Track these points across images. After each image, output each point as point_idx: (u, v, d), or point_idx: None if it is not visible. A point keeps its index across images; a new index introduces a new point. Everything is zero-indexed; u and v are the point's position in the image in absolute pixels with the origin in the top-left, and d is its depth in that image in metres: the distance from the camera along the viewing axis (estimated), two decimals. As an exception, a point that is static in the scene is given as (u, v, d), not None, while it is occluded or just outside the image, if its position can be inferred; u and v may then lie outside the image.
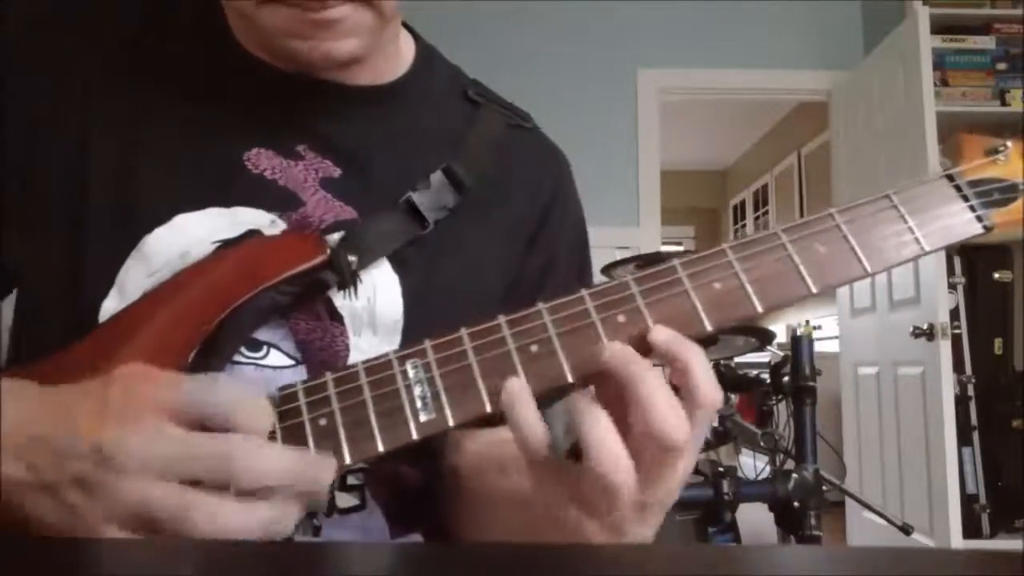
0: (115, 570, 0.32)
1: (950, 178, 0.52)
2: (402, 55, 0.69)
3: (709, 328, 0.48)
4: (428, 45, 0.73)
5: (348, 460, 0.46)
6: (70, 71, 0.61)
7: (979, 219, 0.51)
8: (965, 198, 0.52)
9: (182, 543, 0.40)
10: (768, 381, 2.09)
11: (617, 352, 0.44)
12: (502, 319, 0.48)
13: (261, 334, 0.57)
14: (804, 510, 1.73)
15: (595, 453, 0.42)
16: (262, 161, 0.60)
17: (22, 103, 0.60)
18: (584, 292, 0.48)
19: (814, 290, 0.48)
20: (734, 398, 2.42)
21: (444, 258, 0.63)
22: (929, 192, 0.52)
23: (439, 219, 0.62)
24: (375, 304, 0.59)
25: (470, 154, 0.66)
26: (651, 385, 0.43)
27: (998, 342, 3.22)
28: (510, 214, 0.68)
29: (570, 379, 0.47)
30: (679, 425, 0.42)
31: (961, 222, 0.51)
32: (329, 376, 0.47)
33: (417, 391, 0.46)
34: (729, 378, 2.35)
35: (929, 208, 0.51)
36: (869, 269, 0.49)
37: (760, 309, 0.48)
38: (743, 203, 7.07)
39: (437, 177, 0.63)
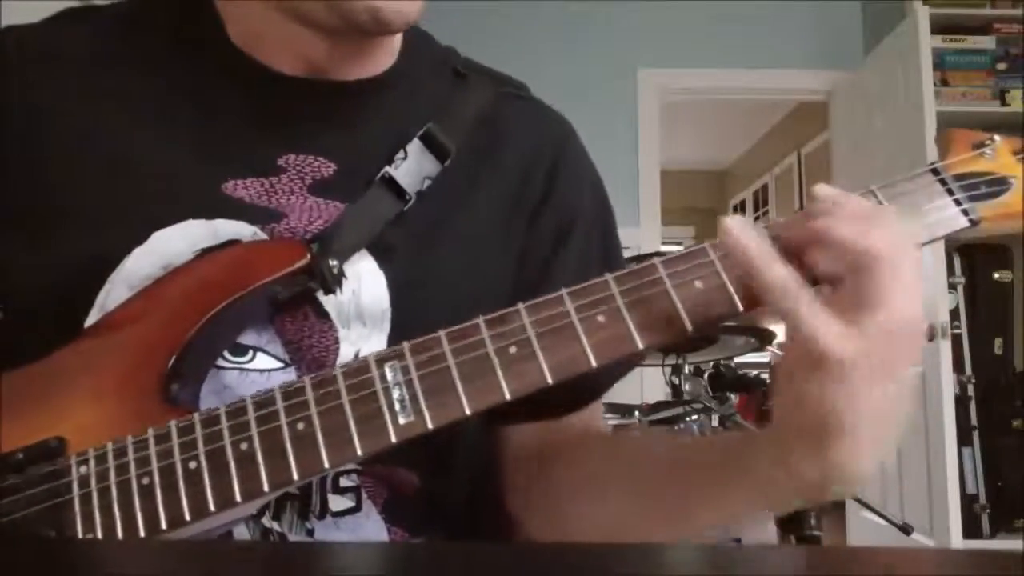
0: (116, 570, 0.32)
1: (935, 172, 0.51)
2: (394, 42, 0.68)
3: (690, 327, 0.47)
4: (417, 28, 0.70)
5: (327, 464, 0.45)
6: (41, 88, 0.60)
7: (965, 213, 0.51)
8: (951, 192, 0.51)
9: (182, 543, 0.40)
10: (768, 381, 2.09)
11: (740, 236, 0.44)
12: (481, 320, 0.47)
13: (247, 338, 0.56)
14: (804, 510, 1.73)
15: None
16: (239, 191, 0.59)
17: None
18: (564, 291, 0.48)
19: None
20: (734, 398, 2.42)
21: (430, 239, 0.61)
22: (914, 186, 0.51)
23: (422, 191, 0.60)
24: (360, 297, 0.58)
25: (451, 119, 0.64)
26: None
27: (998, 342, 3.21)
28: (505, 183, 0.66)
29: (550, 381, 0.46)
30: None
31: (947, 216, 0.50)
32: (307, 380, 0.47)
33: (395, 394, 0.46)
34: (729, 378, 2.35)
35: (914, 203, 0.50)
36: None
37: (741, 308, 0.47)
38: (743, 203, 7.06)
39: (414, 145, 0.61)
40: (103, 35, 0.64)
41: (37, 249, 0.57)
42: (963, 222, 0.51)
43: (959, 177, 0.51)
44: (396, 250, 0.60)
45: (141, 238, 0.56)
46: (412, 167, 0.61)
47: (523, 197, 0.66)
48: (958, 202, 0.51)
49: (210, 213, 0.57)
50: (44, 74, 0.61)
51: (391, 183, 0.60)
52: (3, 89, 0.61)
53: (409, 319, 0.58)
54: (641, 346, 0.47)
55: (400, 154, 0.61)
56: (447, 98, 0.66)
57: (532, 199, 0.66)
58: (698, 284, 0.47)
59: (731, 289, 0.47)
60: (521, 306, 0.48)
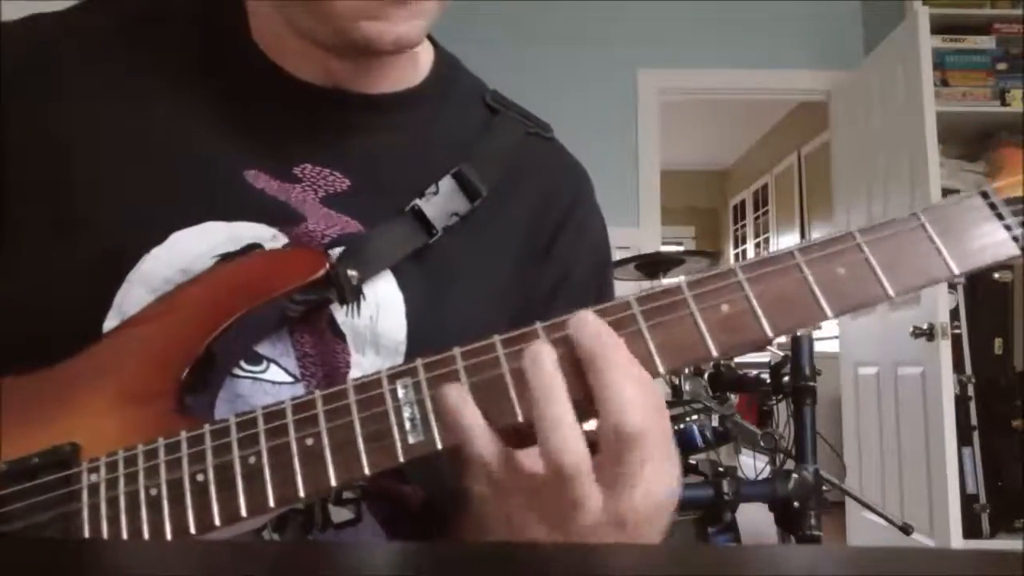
0: (117, 570, 0.32)
1: (985, 195, 0.48)
2: (420, 62, 0.67)
3: (715, 353, 0.45)
4: (448, 53, 0.71)
5: (333, 483, 0.45)
6: (61, 78, 0.60)
7: (1016, 240, 0.47)
8: (1000, 216, 0.47)
9: (182, 543, 0.40)
10: (768, 381, 2.10)
11: (586, 323, 0.44)
12: (497, 339, 0.46)
13: (262, 348, 0.56)
14: (804, 510, 1.73)
15: (543, 428, 0.42)
16: (260, 180, 0.59)
17: (14, 117, 0.59)
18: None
19: (830, 315, 0.45)
20: (734, 398, 2.43)
21: (451, 274, 0.61)
22: (961, 210, 0.47)
23: (448, 226, 0.60)
24: (378, 323, 0.58)
25: (483, 159, 0.64)
26: (614, 363, 0.43)
27: (998, 342, 3.21)
28: (523, 224, 0.66)
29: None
30: (641, 415, 0.42)
31: (995, 243, 0.46)
32: (318, 394, 0.46)
33: (406, 413, 0.45)
34: (729, 378, 2.35)
35: (960, 228, 0.46)
36: (891, 293, 0.45)
37: (771, 334, 0.45)
38: (743, 203, 7.07)
39: (447, 183, 0.61)
40: (125, 26, 0.63)
41: (55, 243, 0.57)
42: (1012, 249, 0.47)
43: (1010, 201, 0.47)
44: (417, 282, 0.59)
45: (160, 237, 0.56)
46: (441, 203, 0.60)
47: (534, 242, 0.66)
48: (1008, 227, 0.47)
49: (230, 214, 0.57)
50: (66, 63, 0.61)
51: (419, 214, 0.59)
52: (26, 79, 0.60)
53: (424, 352, 0.58)
54: (662, 371, 0.45)
55: (432, 188, 0.61)
56: (477, 133, 0.66)
57: (540, 246, 0.66)
58: (725, 308, 0.45)
59: (760, 315, 0.45)
60: (539, 325, 0.46)
